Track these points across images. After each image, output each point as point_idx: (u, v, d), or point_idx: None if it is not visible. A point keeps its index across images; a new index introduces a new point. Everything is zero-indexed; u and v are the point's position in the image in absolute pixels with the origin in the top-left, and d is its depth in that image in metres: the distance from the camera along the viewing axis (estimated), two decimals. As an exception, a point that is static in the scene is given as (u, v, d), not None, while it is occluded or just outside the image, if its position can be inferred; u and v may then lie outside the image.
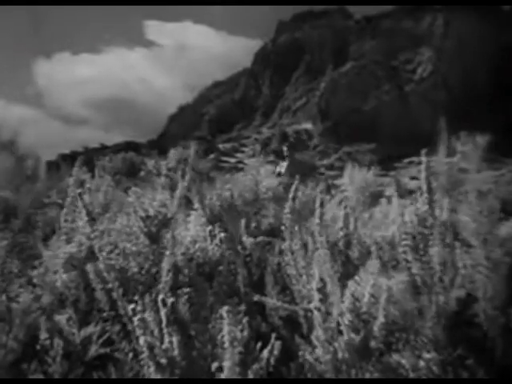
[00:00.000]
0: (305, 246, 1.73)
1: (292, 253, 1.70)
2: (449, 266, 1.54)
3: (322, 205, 1.79)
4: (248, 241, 2.21)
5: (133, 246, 1.73)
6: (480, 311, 1.52)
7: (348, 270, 1.74)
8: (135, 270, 1.67)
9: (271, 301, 1.78)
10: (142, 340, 1.16)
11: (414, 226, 1.58)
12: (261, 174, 3.30)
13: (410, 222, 1.59)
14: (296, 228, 1.74)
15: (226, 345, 1.08)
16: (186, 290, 1.51)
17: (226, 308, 1.09)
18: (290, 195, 1.85)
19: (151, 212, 1.78)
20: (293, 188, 1.87)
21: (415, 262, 1.53)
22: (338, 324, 1.25)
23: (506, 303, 1.52)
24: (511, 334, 1.50)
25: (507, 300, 1.52)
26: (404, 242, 1.56)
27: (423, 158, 1.62)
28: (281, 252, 1.99)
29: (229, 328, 1.08)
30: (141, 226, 1.77)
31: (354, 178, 4.12)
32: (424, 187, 1.59)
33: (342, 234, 1.80)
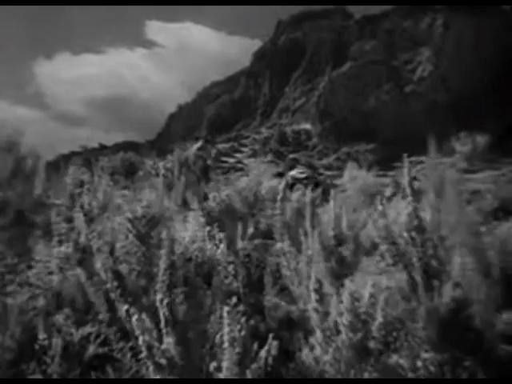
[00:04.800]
0: (299, 246, 1.73)
1: (284, 254, 1.70)
2: (447, 266, 1.54)
3: (314, 206, 1.79)
4: (244, 244, 2.20)
5: (122, 248, 1.73)
6: (475, 312, 1.52)
7: (343, 269, 1.73)
8: (126, 270, 1.67)
9: (270, 299, 1.77)
10: (140, 340, 1.16)
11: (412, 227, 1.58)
12: (260, 175, 3.29)
13: (410, 223, 1.59)
14: (287, 230, 1.73)
15: (226, 345, 1.08)
16: (183, 289, 1.51)
17: (226, 308, 1.09)
18: (279, 197, 1.84)
19: (139, 213, 1.78)
20: (281, 188, 1.86)
21: (416, 261, 1.53)
22: (336, 324, 1.25)
23: (501, 304, 1.52)
24: (507, 334, 1.50)
25: (502, 301, 1.52)
26: (407, 241, 1.56)
27: (405, 161, 1.62)
28: (279, 253, 1.99)
29: (228, 328, 1.08)
30: (129, 227, 1.77)
31: (354, 178, 4.13)
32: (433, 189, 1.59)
33: (332, 233, 1.80)
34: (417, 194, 1.67)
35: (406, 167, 1.59)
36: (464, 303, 1.50)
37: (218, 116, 56.95)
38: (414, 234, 1.53)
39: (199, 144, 6.86)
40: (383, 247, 1.53)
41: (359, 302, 1.25)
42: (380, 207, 1.73)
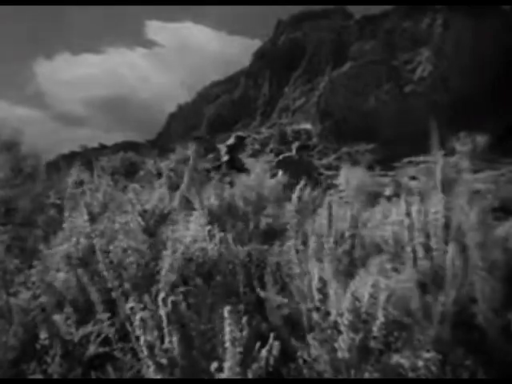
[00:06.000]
0: (306, 244, 1.73)
1: (297, 252, 1.70)
2: (453, 266, 1.54)
3: (329, 205, 1.79)
4: (242, 250, 2.20)
5: (131, 241, 1.73)
6: (479, 312, 1.52)
7: (350, 269, 1.73)
8: (133, 266, 1.67)
9: (274, 297, 1.77)
10: (142, 340, 1.16)
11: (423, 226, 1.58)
12: (261, 175, 3.30)
13: (418, 222, 1.59)
14: (299, 227, 1.74)
15: (227, 345, 1.08)
16: (186, 289, 1.51)
17: (227, 308, 1.08)
18: (296, 194, 1.85)
19: (149, 207, 1.79)
20: (298, 187, 1.88)
21: (423, 260, 1.53)
22: (337, 323, 1.25)
23: (504, 305, 1.52)
24: (510, 335, 1.50)
25: (505, 301, 1.52)
26: (417, 241, 1.56)
27: (437, 158, 1.62)
28: (280, 252, 1.99)
29: (230, 328, 1.08)
30: (139, 221, 1.77)
31: (350, 178, 4.12)
32: (439, 188, 1.59)
33: (348, 233, 1.80)
34: (419, 194, 1.67)
35: (437, 160, 1.58)
36: (469, 302, 1.50)
37: (218, 116, 57.06)
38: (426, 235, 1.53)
39: (232, 140, 6.77)
40: (392, 247, 1.53)
41: (360, 302, 1.25)
42: (383, 207, 1.74)
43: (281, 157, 6.52)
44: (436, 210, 1.56)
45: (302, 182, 1.95)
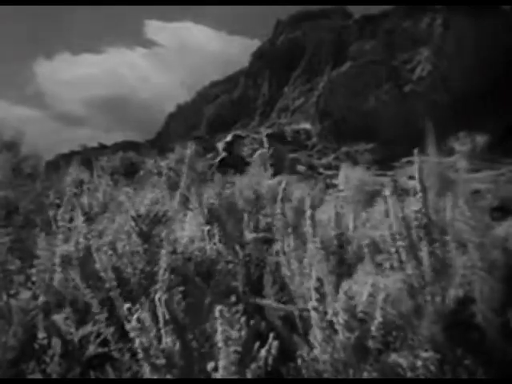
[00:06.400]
0: (299, 246, 1.72)
1: (284, 253, 1.70)
2: (445, 265, 1.54)
3: (313, 205, 1.78)
4: (249, 236, 2.20)
5: (126, 246, 1.73)
6: (478, 312, 1.52)
7: (343, 269, 1.73)
8: (129, 269, 1.67)
9: (267, 302, 1.77)
10: (137, 341, 1.16)
11: (407, 226, 1.58)
12: (260, 174, 3.30)
13: (403, 221, 1.59)
14: (288, 229, 1.73)
15: (220, 344, 1.08)
16: (183, 288, 1.51)
17: (219, 308, 1.08)
18: (279, 196, 1.84)
19: (142, 211, 1.79)
20: (281, 188, 1.86)
21: (409, 261, 1.53)
22: (333, 323, 1.25)
23: (503, 304, 1.52)
24: (509, 334, 1.50)
25: (505, 301, 1.52)
26: (399, 243, 1.56)
27: (416, 158, 1.60)
28: (278, 252, 2.00)
29: (222, 328, 1.08)
30: (132, 225, 1.77)
31: (350, 178, 4.11)
32: (418, 187, 1.57)
33: (333, 233, 1.80)
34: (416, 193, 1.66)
35: (416, 163, 1.56)
36: (467, 302, 1.50)
37: (218, 116, 57.04)
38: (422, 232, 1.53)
39: (229, 138, 6.64)
40: (389, 246, 1.52)
41: (355, 301, 1.25)
42: (381, 207, 1.74)
43: (258, 152, 6.45)
44: (417, 208, 1.55)
45: (286, 180, 1.93)
